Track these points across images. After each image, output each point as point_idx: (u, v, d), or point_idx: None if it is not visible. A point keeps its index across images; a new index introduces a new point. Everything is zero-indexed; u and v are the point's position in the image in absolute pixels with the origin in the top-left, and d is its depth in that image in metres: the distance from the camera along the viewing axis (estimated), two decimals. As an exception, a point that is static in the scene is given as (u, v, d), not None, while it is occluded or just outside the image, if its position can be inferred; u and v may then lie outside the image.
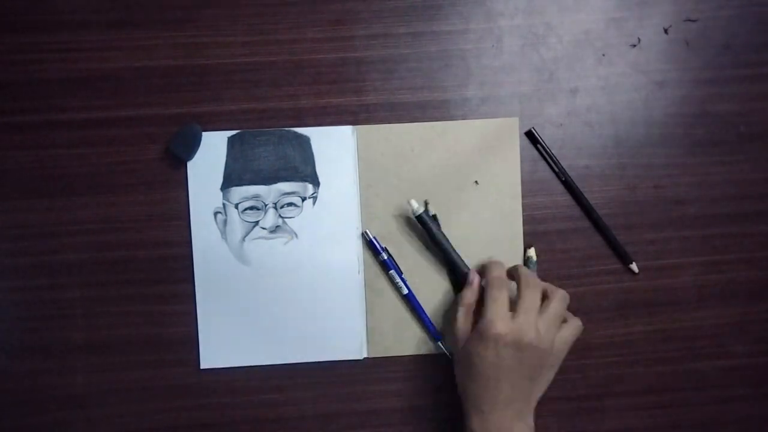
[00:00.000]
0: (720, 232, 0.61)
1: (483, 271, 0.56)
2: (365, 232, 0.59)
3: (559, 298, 0.53)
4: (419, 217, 0.57)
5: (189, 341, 0.60)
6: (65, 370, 0.60)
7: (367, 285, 0.60)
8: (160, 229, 0.59)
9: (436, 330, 0.59)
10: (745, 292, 0.61)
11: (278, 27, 0.59)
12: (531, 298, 0.52)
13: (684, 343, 0.61)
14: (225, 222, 0.59)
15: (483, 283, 0.55)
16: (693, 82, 0.61)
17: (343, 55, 0.60)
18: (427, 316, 0.59)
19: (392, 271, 0.59)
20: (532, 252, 0.59)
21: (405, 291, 0.59)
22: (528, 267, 0.59)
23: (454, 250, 0.58)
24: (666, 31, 0.61)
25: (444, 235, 0.58)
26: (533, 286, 0.53)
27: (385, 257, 0.59)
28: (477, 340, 0.51)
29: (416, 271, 0.60)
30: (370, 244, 0.59)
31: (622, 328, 0.61)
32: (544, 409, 0.61)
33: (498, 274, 0.54)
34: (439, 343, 0.59)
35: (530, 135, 0.60)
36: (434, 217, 0.59)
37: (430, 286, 0.60)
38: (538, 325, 0.51)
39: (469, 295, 0.55)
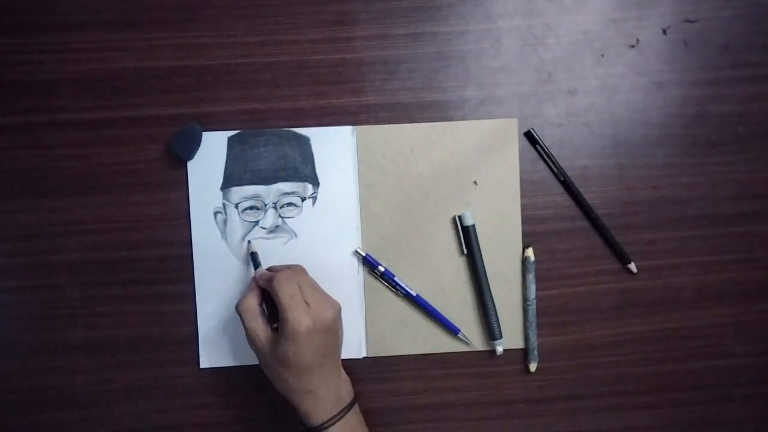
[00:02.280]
0: (718, 232, 0.61)
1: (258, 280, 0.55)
2: (357, 250, 0.59)
3: (297, 273, 0.54)
4: (466, 229, 0.59)
5: (189, 341, 0.60)
6: (65, 370, 0.60)
7: (367, 285, 0.60)
8: (160, 229, 0.60)
9: (453, 324, 0.59)
10: (744, 291, 0.61)
11: (278, 28, 0.60)
12: (288, 286, 0.52)
13: (682, 343, 0.61)
14: (225, 222, 0.60)
15: (262, 284, 0.54)
16: (691, 82, 0.61)
17: (342, 56, 0.60)
18: (440, 314, 0.59)
19: (395, 279, 0.59)
20: (530, 252, 0.60)
21: (413, 294, 0.59)
22: (526, 267, 0.59)
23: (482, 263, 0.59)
24: (665, 31, 0.61)
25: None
26: (282, 278, 0.52)
27: (383, 269, 0.59)
28: (288, 343, 0.50)
29: (416, 271, 0.60)
30: (366, 261, 0.59)
31: (620, 327, 0.61)
32: (542, 408, 0.61)
33: (276, 272, 0.53)
34: (459, 335, 0.59)
35: (529, 135, 0.60)
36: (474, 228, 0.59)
37: (430, 285, 0.60)
38: (328, 301, 0.53)
39: (252, 299, 0.53)
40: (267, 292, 0.53)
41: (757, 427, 0.62)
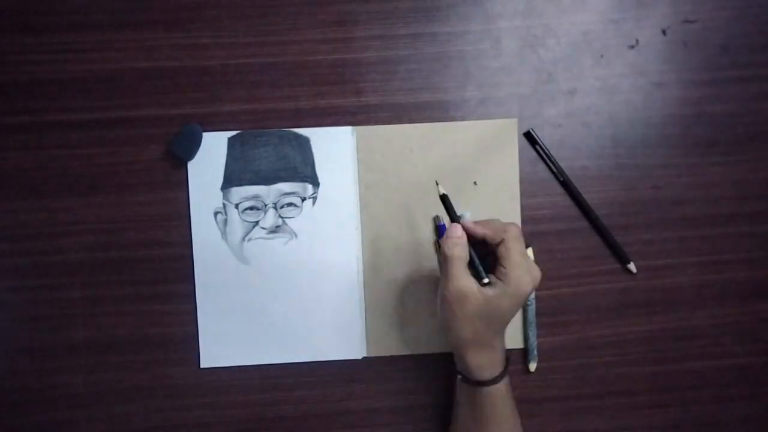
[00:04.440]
0: (718, 232, 0.61)
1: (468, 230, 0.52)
2: (437, 216, 0.59)
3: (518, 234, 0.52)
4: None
5: (189, 341, 0.60)
6: (65, 370, 0.60)
7: (367, 285, 0.60)
8: (160, 229, 0.60)
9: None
10: (743, 292, 0.61)
11: (278, 28, 0.60)
12: (521, 245, 0.51)
13: (682, 343, 0.61)
14: (225, 222, 0.60)
15: (486, 231, 0.51)
16: (691, 83, 0.61)
17: (342, 56, 0.60)
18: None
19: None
20: (529, 252, 0.60)
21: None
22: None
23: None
24: (664, 32, 0.61)
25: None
26: (516, 234, 0.51)
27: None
28: (506, 297, 0.49)
29: (415, 272, 0.60)
30: (439, 229, 0.59)
31: (620, 327, 0.61)
32: (543, 408, 0.61)
33: (507, 225, 0.51)
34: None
35: (529, 136, 0.60)
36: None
37: (431, 284, 0.60)
38: (536, 268, 0.51)
39: (466, 249, 0.51)
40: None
41: (757, 427, 0.62)
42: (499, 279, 0.49)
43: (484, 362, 0.51)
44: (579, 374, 0.61)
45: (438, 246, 0.59)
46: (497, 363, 0.52)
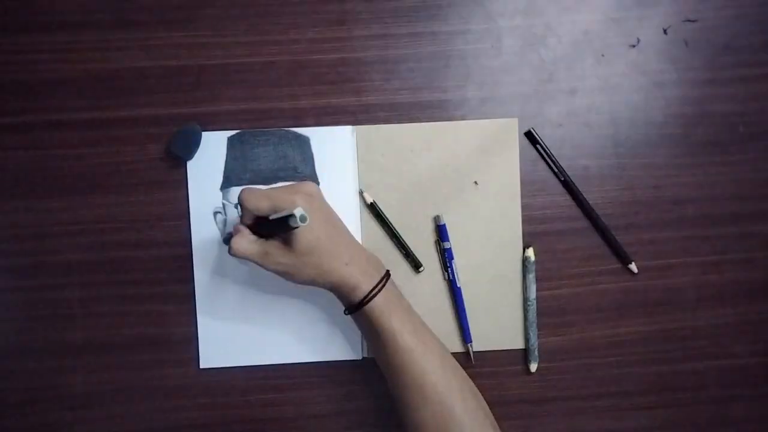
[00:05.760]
0: (719, 232, 0.61)
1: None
2: (438, 216, 0.59)
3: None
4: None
5: (189, 341, 0.60)
6: (65, 370, 0.60)
7: (367, 285, 0.60)
8: (160, 229, 0.59)
9: (469, 333, 0.60)
10: (744, 292, 0.61)
11: (278, 27, 0.59)
12: (260, 191, 0.51)
13: (683, 343, 0.61)
14: (225, 222, 0.59)
15: (248, 206, 0.51)
16: (692, 82, 0.61)
17: (342, 56, 0.60)
18: (465, 319, 0.60)
19: (453, 262, 0.59)
20: (530, 252, 0.59)
21: (458, 285, 0.59)
22: (526, 267, 0.59)
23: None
24: (665, 31, 0.61)
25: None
26: (248, 190, 0.51)
27: (448, 247, 0.59)
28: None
29: (415, 272, 0.60)
30: (439, 229, 0.59)
31: (620, 328, 0.61)
32: (542, 409, 0.61)
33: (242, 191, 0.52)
34: (469, 345, 0.60)
35: (529, 135, 0.60)
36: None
37: (432, 285, 0.60)
38: (295, 184, 0.53)
39: (247, 235, 0.52)
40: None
41: (757, 427, 0.62)
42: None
43: (353, 280, 0.51)
44: (580, 374, 0.61)
45: (438, 246, 0.59)
46: (366, 274, 0.52)
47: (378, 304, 0.51)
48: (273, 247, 0.51)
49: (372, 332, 0.52)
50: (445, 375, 0.52)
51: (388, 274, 0.54)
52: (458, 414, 0.50)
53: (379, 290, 0.52)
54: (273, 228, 0.50)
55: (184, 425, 0.60)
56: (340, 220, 0.54)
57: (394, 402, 0.53)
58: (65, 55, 0.59)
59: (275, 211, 0.49)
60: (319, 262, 0.51)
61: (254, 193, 0.51)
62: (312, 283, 0.52)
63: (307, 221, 0.45)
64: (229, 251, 0.51)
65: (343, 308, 0.54)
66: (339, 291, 0.52)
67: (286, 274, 0.52)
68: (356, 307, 0.52)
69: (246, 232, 0.52)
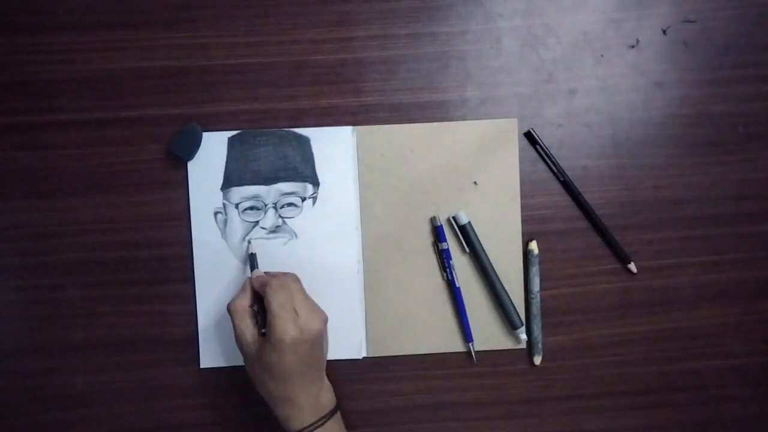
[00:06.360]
0: (718, 232, 0.61)
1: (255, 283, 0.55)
2: (435, 217, 0.59)
3: (291, 281, 0.54)
4: (463, 228, 0.59)
5: (189, 341, 0.60)
6: (65, 370, 0.60)
7: (367, 285, 0.60)
8: (160, 229, 0.60)
9: (470, 332, 0.60)
10: (744, 292, 0.61)
11: (278, 28, 0.60)
12: (282, 294, 0.52)
13: (682, 343, 0.61)
14: (225, 222, 0.60)
15: (257, 287, 0.54)
16: (691, 82, 0.61)
17: (342, 56, 0.60)
18: (466, 319, 0.60)
19: (451, 262, 0.59)
20: (533, 245, 0.60)
21: (457, 285, 0.59)
22: (529, 260, 0.59)
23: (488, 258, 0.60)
24: (665, 31, 0.61)
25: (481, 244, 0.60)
26: (276, 285, 0.52)
27: (446, 248, 0.59)
28: (273, 350, 0.50)
29: (415, 272, 0.60)
30: (437, 231, 0.59)
31: (620, 327, 0.61)
32: (543, 408, 0.61)
33: (270, 278, 0.54)
34: (470, 345, 0.60)
35: (529, 136, 0.60)
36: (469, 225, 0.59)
37: (433, 285, 0.60)
38: (316, 313, 0.53)
39: (244, 300, 0.53)
40: (260, 296, 0.53)
41: (757, 427, 0.62)
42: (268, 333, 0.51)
43: (287, 414, 0.52)
44: (579, 374, 0.61)
45: (436, 247, 0.59)
46: (304, 414, 0.52)
47: None
48: (252, 332, 0.52)
49: None
50: None
51: (333, 411, 0.54)
52: None
53: (315, 428, 0.52)
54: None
55: (184, 425, 0.60)
56: (317, 356, 0.53)
57: None
58: (65, 55, 0.59)
59: (271, 320, 0.50)
60: (267, 383, 0.52)
61: (275, 291, 0.51)
62: (256, 386, 0.53)
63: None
64: (228, 304, 0.53)
65: None
66: (275, 414, 0.53)
67: (245, 357, 0.53)
68: None
69: (249, 299, 0.53)
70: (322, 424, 0.52)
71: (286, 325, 0.50)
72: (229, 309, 0.53)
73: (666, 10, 0.61)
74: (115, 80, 0.59)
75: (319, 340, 0.53)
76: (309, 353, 0.52)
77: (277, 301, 0.51)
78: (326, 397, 0.54)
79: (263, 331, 0.52)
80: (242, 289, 0.54)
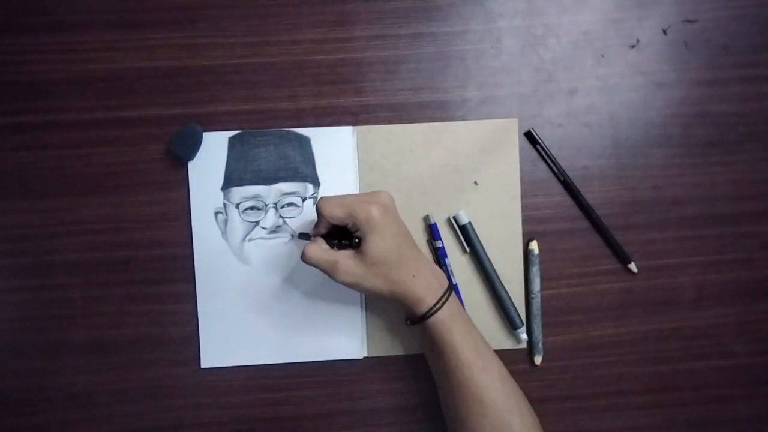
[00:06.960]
0: (718, 232, 0.61)
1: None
2: (428, 215, 0.59)
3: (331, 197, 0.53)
4: (463, 228, 0.59)
5: (189, 341, 0.60)
6: (65, 370, 0.60)
7: (367, 285, 0.60)
8: (160, 229, 0.60)
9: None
10: (744, 291, 0.61)
11: (278, 28, 0.60)
12: (335, 199, 0.52)
13: (682, 343, 0.61)
14: (225, 222, 0.60)
15: (327, 214, 0.52)
16: (692, 82, 0.61)
17: (343, 56, 0.60)
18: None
19: (446, 260, 0.59)
20: (534, 245, 0.60)
21: (454, 282, 0.59)
22: (530, 260, 0.60)
23: (489, 260, 0.60)
24: (665, 32, 0.61)
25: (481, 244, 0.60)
26: (326, 198, 0.52)
27: (441, 246, 0.59)
28: (374, 234, 0.50)
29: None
30: (432, 229, 0.59)
31: (620, 327, 0.61)
32: (543, 408, 0.61)
33: (320, 202, 0.53)
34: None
35: (529, 135, 0.60)
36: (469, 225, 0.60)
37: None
38: (369, 194, 0.53)
39: (312, 246, 0.53)
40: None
41: (757, 427, 0.62)
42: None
43: (418, 292, 0.52)
44: (579, 374, 0.61)
45: (431, 245, 0.59)
46: (432, 288, 0.52)
47: (441, 317, 0.52)
48: (343, 257, 0.52)
49: (433, 345, 0.53)
50: (504, 391, 0.52)
51: (451, 289, 0.54)
52: (516, 431, 0.51)
53: (443, 304, 0.52)
54: (345, 238, 0.53)
55: (185, 425, 0.60)
56: (409, 233, 0.55)
57: (447, 413, 0.54)
58: (66, 55, 0.59)
59: (351, 219, 0.51)
60: (388, 273, 0.52)
61: (331, 201, 0.51)
62: (378, 293, 0.53)
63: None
64: (302, 257, 0.52)
65: (405, 318, 0.55)
66: (404, 303, 0.53)
67: (353, 285, 0.53)
68: (419, 320, 0.52)
69: (321, 241, 0.53)
70: (448, 298, 0.53)
71: (367, 207, 0.50)
72: (312, 260, 0.52)
73: (666, 10, 0.61)
74: (115, 80, 0.59)
75: (396, 210, 0.53)
76: (399, 222, 0.53)
77: (339, 203, 0.51)
78: (439, 273, 0.55)
79: (344, 242, 0.53)
80: (312, 242, 0.53)
